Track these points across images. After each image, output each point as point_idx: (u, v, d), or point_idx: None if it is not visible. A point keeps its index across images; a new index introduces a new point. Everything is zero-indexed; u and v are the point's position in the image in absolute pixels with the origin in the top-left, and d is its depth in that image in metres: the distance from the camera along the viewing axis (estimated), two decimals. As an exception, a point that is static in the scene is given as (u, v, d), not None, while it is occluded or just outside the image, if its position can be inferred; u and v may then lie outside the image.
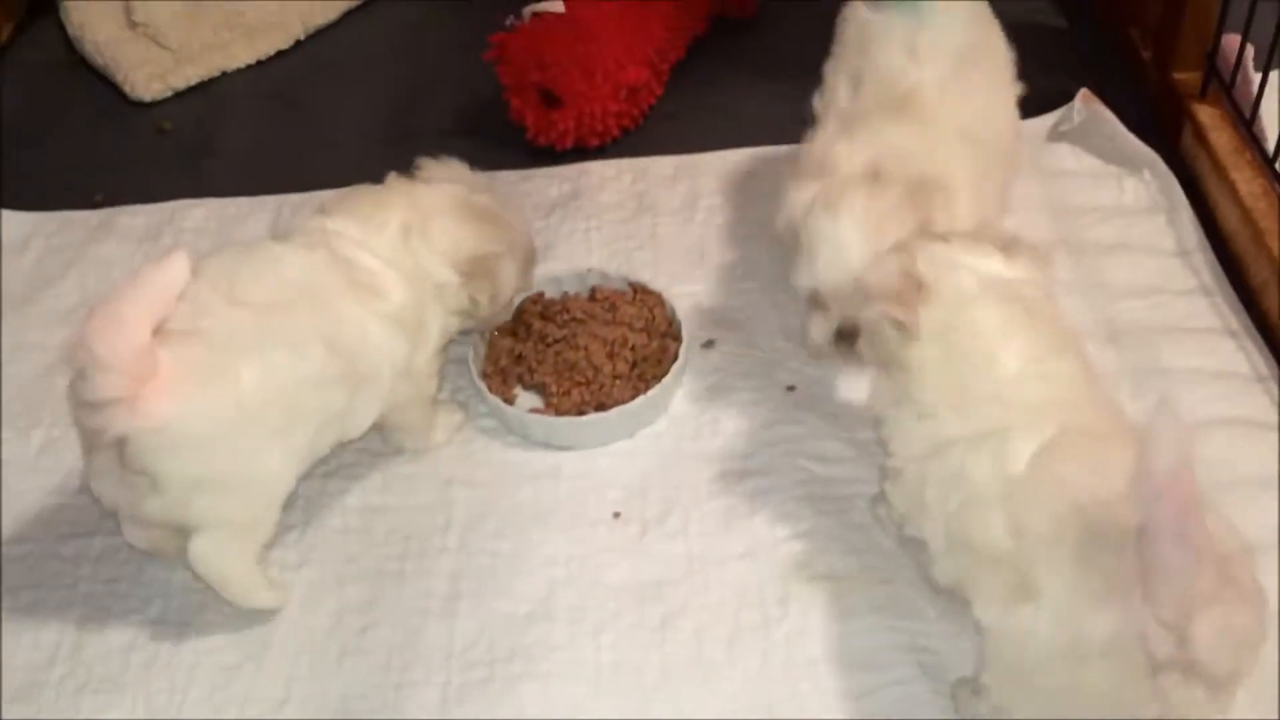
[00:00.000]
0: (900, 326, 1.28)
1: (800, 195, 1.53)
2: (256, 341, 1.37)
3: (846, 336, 1.53)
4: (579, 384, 1.69)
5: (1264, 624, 1.08)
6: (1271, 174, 1.82)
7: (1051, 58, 2.20)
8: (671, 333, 1.75)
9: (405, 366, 1.52)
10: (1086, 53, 2.28)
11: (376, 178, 1.62)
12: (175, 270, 1.33)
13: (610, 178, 2.11)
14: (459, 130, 2.26)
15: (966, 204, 1.50)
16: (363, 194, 1.58)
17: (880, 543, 1.51)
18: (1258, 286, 1.77)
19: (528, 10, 2.18)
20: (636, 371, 1.70)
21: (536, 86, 2.12)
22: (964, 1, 1.66)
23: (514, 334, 1.77)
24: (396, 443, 1.66)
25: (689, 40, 2.35)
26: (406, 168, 1.64)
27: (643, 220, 2.01)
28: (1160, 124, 2.05)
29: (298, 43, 2.54)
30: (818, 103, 1.72)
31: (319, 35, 2.57)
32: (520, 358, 1.74)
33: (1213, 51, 1.95)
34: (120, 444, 1.31)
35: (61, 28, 2.58)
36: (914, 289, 1.27)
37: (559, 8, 2.16)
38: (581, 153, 2.16)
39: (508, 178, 2.07)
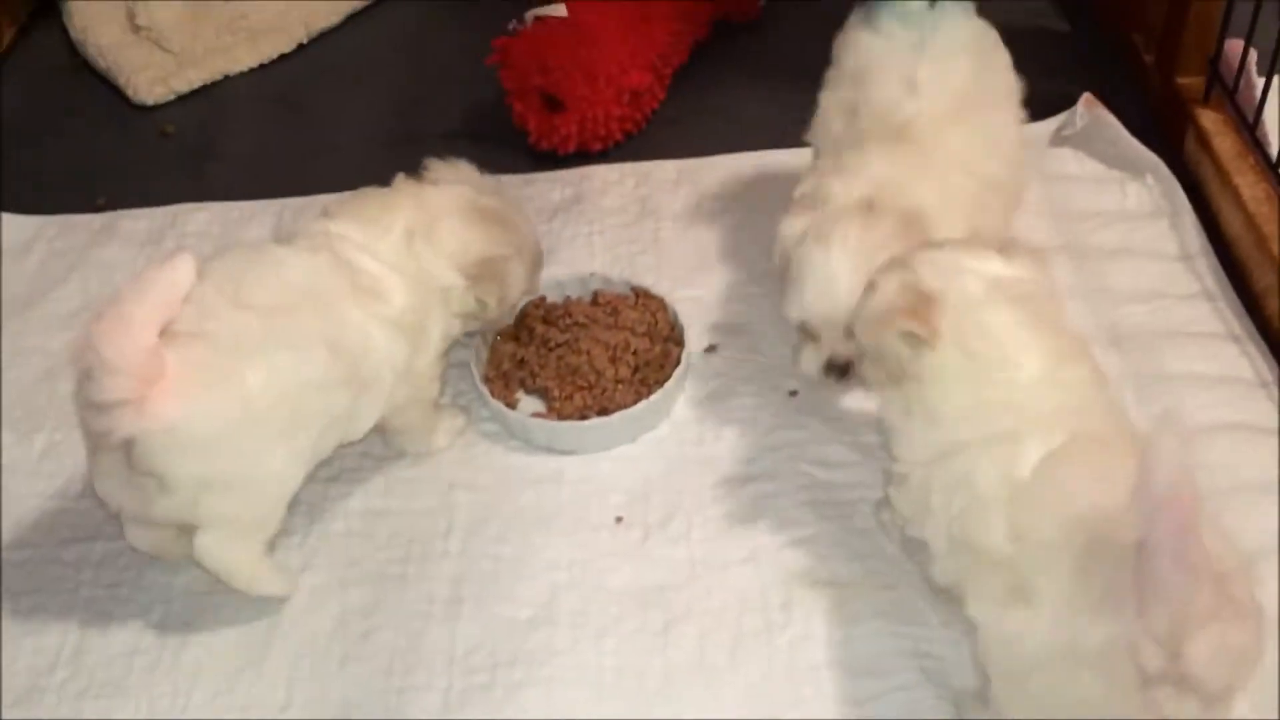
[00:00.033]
0: (915, 340, 1.27)
1: (793, 226, 1.54)
2: (261, 344, 1.37)
3: (837, 368, 1.54)
4: (581, 388, 1.69)
5: (1261, 641, 1.08)
6: (1275, 179, 1.82)
7: (1054, 62, 2.21)
8: (674, 337, 1.75)
9: (406, 369, 1.52)
10: (1089, 57, 2.28)
11: (378, 181, 1.62)
12: (181, 272, 1.33)
13: (613, 182, 2.11)
14: (461, 134, 2.26)
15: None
16: (368, 197, 1.58)
17: (883, 548, 1.51)
18: (1261, 291, 1.77)
19: (530, 14, 2.18)
20: (639, 376, 1.70)
21: (539, 91, 2.12)
22: (968, 29, 1.65)
23: (516, 338, 1.77)
24: (398, 446, 1.66)
25: (691, 44, 2.35)
26: (408, 171, 1.64)
27: (645, 224, 2.01)
28: (1163, 129, 2.05)
29: (300, 46, 2.55)
30: (813, 130, 1.72)
31: (321, 39, 2.57)
32: (522, 362, 1.74)
33: (1216, 56, 1.95)
34: (128, 446, 1.31)
35: (64, 31, 2.59)
36: (924, 300, 1.27)
37: (562, 12, 2.16)
38: (584, 157, 2.16)
39: (510, 182, 2.06)
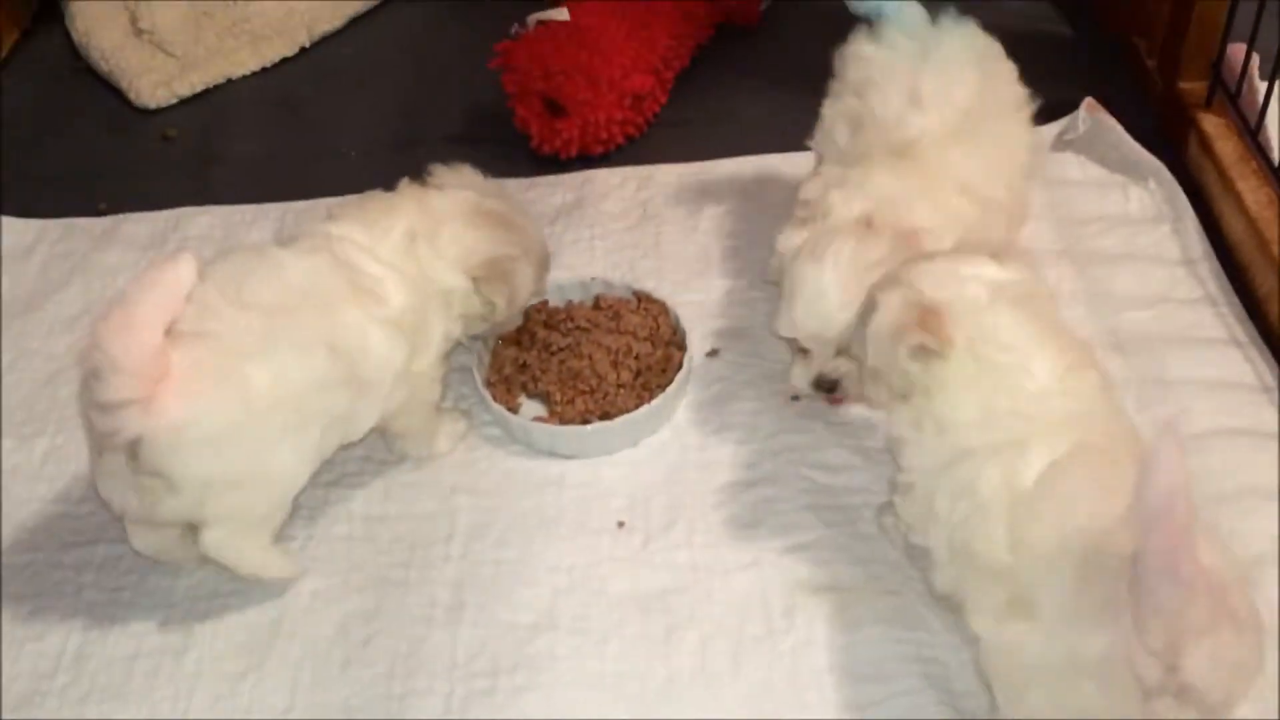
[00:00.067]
0: (924, 353, 1.27)
1: (790, 240, 1.54)
2: (263, 343, 1.38)
3: (826, 384, 1.54)
4: (583, 393, 1.69)
5: (1260, 652, 1.08)
6: (1277, 183, 1.82)
7: (1057, 66, 2.20)
8: (676, 341, 1.75)
9: (404, 370, 1.52)
10: (1091, 61, 2.28)
11: (380, 184, 1.63)
12: (183, 271, 1.34)
13: (614, 186, 2.11)
14: (463, 138, 2.26)
15: None
16: (372, 200, 1.59)
17: (886, 553, 1.50)
18: (1263, 296, 1.77)
19: (533, 19, 2.18)
20: (640, 380, 1.70)
21: (541, 95, 2.12)
22: (972, 44, 1.65)
23: (518, 342, 1.77)
24: (400, 450, 1.66)
25: (693, 48, 2.35)
26: (411, 175, 1.64)
27: (647, 228, 2.01)
28: (1165, 133, 2.05)
29: (302, 50, 2.55)
30: (815, 141, 1.72)
31: (324, 42, 2.57)
32: (524, 366, 1.74)
33: (1218, 61, 1.95)
34: (134, 445, 1.32)
35: (66, 34, 2.59)
36: (931, 312, 1.26)
37: (564, 16, 2.16)
38: (585, 161, 2.16)
39: (511, 186, 2.06)
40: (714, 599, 1.48)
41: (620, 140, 2.18)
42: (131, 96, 2.41)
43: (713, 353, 1.78)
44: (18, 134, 2.37)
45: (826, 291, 1.47)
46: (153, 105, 2.40)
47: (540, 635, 1.46)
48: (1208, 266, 1.84)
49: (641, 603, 1.49)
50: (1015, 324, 1.26)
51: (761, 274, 1.87)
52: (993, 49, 1.67)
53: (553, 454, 1.66)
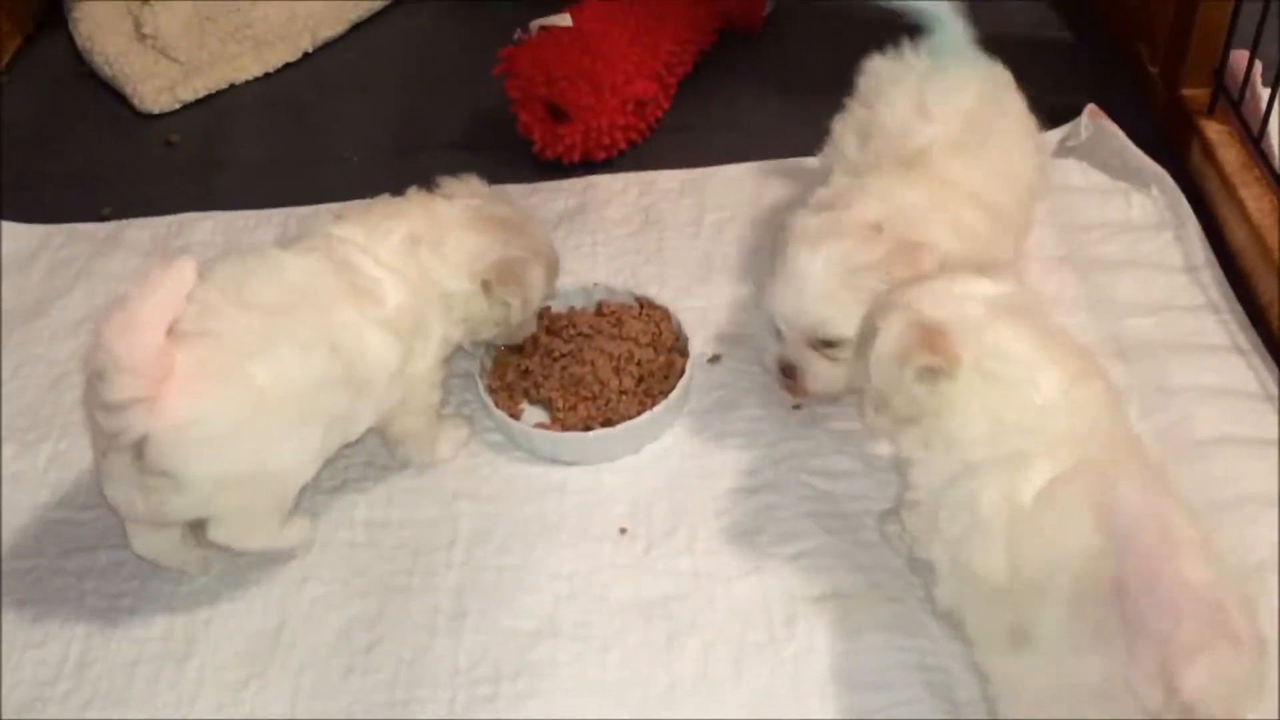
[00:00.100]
0: (931, 375, 1.27)
1: (803, 221, 1.53)
2: (265, 341, 1.39)
3: (786, 369, 1.55)
4: (585, 399, 1.69)
5: (1262, 668, 1.08)
6: (1279, 191, 1.82)
7: (1059, 72, 2.21)
8: (678, 347, 1.75)
9: (399, 372, 1.52)
10: (1094, 67, 2.28)
11: (383, 190, 1.63)
12: (183, 271, 1.35)
13: (617, 191, 2.11)
14: (466, 143, 2.26)
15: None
16: (379, 204, 1.60)
17: (888, 560, 1.50)
18: (1265, 303, 1.77)
19: (535, 24, 2.18)
20: (643, 386, 1.70)
21: (544, 100, 2.13)
22: (984, 68, 1.65)
23: (520, 348, 1.77)
24: (402, 456, 1.66)
25: (696, 54, 2.35)
26: (414, 180, 1.64)
27: (649, 234, 2.01)
28: (1168, 140, 2.05)
29: (305, 55, 2.55)
30: (824, 155, 1.72)
31: (327, 48, 2.57)
32: (526, 372, 1.74)
33: (1221, 67, 1.95)
34: (140, 445, 1.32)
35: (70, 39, 2.59)
36: (935, 332, 1.26)
37: (567, 22, 2.16)
38: (588, 166, 2.16)
39: (514, 191, 2.07)
40: (716, 606, 1.48)
41: (623, 146, 2.18)
42: (135, 102, 2.41)
43: (715, 359, 1.78)
44: (21, 139, 2.37)
45: (809, 279, 1.48)
46: (156, 110, 2.40)
47: (542, 642, 1.46)
48: (1210, 274, 1.83)
49: (643, 609, 1.49)
50: (1017, 337, 1.26)
51: (764, 279, 1.88)
52: (1003, 77, 1.68)
53: (555, 460, 1.66)
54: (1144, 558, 0.99)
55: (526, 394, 1.73)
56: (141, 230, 2.11)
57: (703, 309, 1.85)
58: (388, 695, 1.42)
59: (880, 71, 1.67)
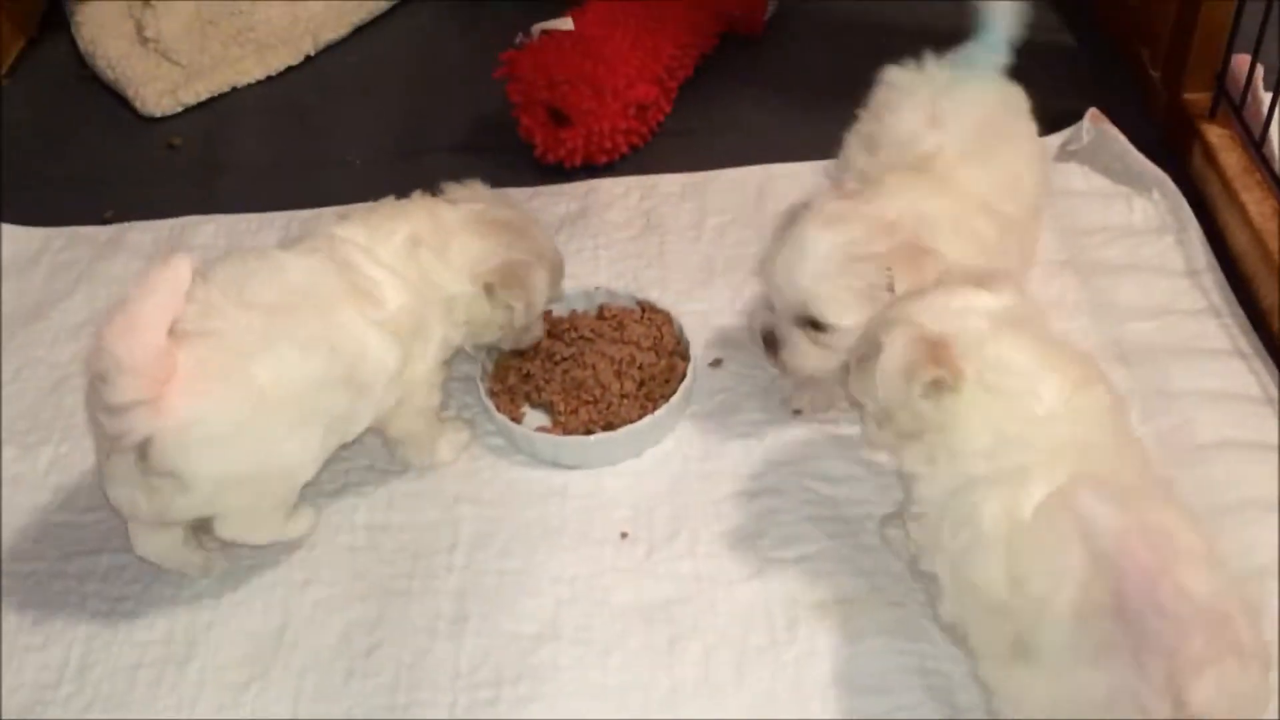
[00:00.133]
0: (935, 389, 1.26)
1: (824, 203, 1.53)
2: (266, 341, 1.39)
3: (769, 340, 1.55)
4: (587, 403, 1.69)
5: (1268, 679, 1.08)
6: (1281, 195, 1.82)
7: (1060, 76, 2.21)
8: (679, 351, 1.75)
9: (398, 374, 1.52)
10: (1095, 72, 2.28)
11: (385, 193, 1.64)
12: (180, 269, 1.35)
13: (618, 195, 2.11)
14: (468, 147, 2.26)
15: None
16: (382, 205, 1.61)
17: (889, 565, 1.50)
18: (1267, 307, 1.77)
19: (537, 28, 2.18)
20: (644, 390, 1.70)
21: (545, 104, 2.13)
22: (1000, 85, 1.66)
23: (522, 352, 1.77)
24: (403, 459, 1.66)
25: (697, 57, 2.35)
26: (415, 183, 1.65)
27: (651, 238, 2.01)
28: (1169, 144, 2.05)
29: (307, 58, 2.55)
30: (835, 166, 1.72)
31: (328, 51, 2.58)
32: (528, 376, 1.74)
33: (1222, 72, 1.95)
34: (144, 446, 1.33)
35: (73, 42, 2.60)
36: (939, 346, 1.26)
37: (568, 25, 2.16)
38: (590, 170, 2.16)
39: (516, 195, 2.06)
40: (717, 610, 1.48)
41: (624, 149, 2.18)
42: (137, 105, 2.42)
43: (716, 363, 1.78)
44: (23, 141, 2.38)
45: (811, 257, 1.48)
46: (158, 113, 2.41)
47: (543, 645, 1.46)
48: (1211, 278, 1.83)
49: (645, 613, 1.49)
50: (1018, 348, 1.26)
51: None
52: (1019, 98, 1.68)
53: (556, 464, 1.66)
54: (1138, 573, 0.99)
55: (528, 397, 1.73)
56: (143, 233, 2.11)
57: (704, 313, 1.85)
58: (389, 698, 1.42)
59: (897, 83, 1.67)
